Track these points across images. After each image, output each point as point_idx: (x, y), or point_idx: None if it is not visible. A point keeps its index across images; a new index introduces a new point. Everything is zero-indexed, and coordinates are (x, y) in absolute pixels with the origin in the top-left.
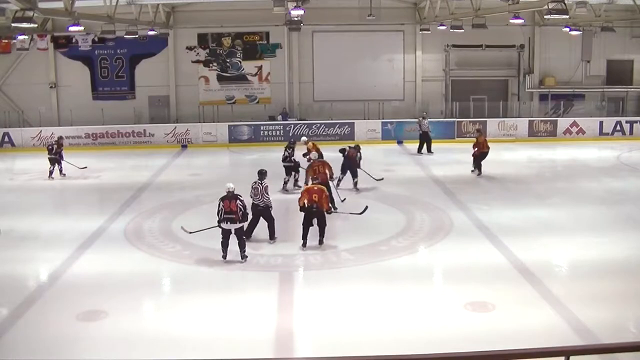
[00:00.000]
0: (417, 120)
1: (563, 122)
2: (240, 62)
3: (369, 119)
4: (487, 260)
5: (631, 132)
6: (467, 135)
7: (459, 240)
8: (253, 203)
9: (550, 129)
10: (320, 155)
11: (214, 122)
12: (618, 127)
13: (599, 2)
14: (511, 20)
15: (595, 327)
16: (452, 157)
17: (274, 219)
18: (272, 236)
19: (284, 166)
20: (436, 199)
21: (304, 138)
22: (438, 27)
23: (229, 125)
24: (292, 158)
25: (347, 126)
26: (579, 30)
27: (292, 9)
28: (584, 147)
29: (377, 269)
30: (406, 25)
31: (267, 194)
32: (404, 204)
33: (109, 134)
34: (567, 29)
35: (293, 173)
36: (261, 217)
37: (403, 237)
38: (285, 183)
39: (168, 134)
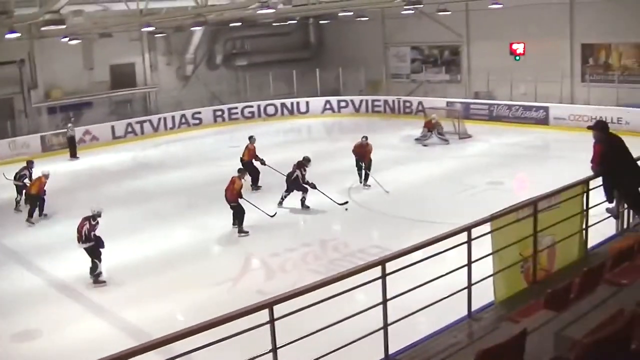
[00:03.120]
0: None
1: (76, 132)
2: None
3: None
4: (25, 286)
5: (142, 132)
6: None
7: None
8: None
9: (62, 141)
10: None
11: None
12: (130, 129)
13: (95, 10)
14: (7, 36)
15: (147, 326)
16: None
17: None
18: None
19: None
20: None
21: None
22: None
23: None
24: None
25: None
26: (79, 39)
27: None
28: (100, 154)
29: None
30: None
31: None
32: None
33: None
34: (66, 39)
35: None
36: None
37: None
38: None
39: None
